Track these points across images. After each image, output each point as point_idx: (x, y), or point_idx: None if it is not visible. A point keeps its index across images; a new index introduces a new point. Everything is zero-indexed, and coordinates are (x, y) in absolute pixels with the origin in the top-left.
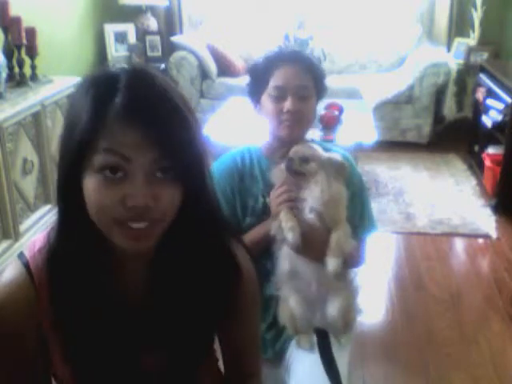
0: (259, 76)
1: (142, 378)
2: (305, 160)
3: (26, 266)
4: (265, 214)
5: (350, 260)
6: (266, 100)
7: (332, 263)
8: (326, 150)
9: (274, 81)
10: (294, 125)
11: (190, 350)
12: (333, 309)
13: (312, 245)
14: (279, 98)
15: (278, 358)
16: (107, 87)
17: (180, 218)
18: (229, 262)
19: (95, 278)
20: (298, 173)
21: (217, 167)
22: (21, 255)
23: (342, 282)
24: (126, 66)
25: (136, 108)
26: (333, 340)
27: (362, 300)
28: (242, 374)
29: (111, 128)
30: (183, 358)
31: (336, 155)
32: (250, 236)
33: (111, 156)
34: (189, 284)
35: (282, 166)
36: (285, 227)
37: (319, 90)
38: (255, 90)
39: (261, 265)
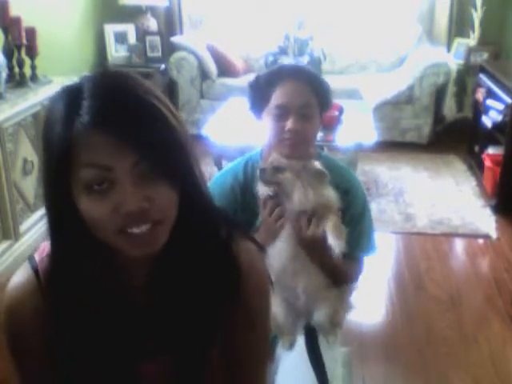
0: (261, 91)
1: None
2: (279, 170)
3: (35, 269)
4: None
5: (344, 276)
6: (268, 117)
7: (337, 245)
8: (331, 166)
9: (276, 98)
10: (296, 144)
11: (193, 351)
12: (319, 315)
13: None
14: (281, 116)
15: None
16: (73, 99)
17: (178, 218)
18: (228, 259)
19: (96, 281)
20: (272, 183)
21: (217, 184)
22: (31, 259)
23: (332, 292)
24: (91, 73)
25: (102, 115)
26: (321, 338)
27: (355, 298)
28: None
29: (86, 140)
30: (185, 361)
31: (314, 163)
32: None
33: (92, 169)
34: (190, 283)
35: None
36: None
37: (323, 105)
38: (257, 105)
39: None
